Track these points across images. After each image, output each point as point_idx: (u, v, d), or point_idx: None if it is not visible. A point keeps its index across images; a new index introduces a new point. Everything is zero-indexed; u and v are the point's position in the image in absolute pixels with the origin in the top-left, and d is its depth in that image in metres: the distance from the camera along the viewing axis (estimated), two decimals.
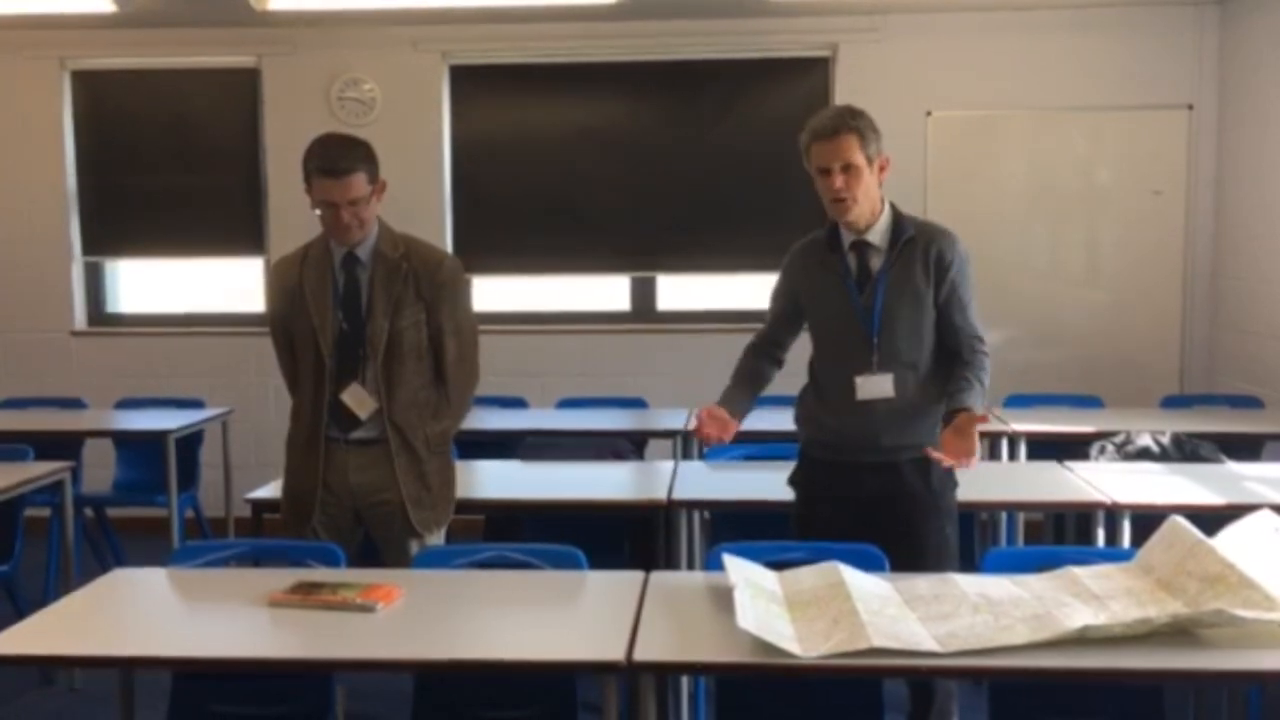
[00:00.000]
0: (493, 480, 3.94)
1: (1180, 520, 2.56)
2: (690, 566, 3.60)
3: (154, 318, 6.48)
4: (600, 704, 2.35)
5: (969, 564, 3.46)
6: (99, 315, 6.46)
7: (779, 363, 3.25)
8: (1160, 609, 2.31)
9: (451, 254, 3.50)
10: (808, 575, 2.58)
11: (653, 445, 4.89)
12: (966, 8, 5.76)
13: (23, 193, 6.25)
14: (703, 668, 2.49)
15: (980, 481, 3.42)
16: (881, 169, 2.99)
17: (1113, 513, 3.43)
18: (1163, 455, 4.11)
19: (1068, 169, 5.91)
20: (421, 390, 3.21)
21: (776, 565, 2.67)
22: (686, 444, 4.70)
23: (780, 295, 3.21)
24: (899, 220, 3.04)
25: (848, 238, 3.04)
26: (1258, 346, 5.37)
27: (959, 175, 5.89)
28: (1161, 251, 5.86)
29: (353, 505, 3.22)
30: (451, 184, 6.16)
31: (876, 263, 3.02)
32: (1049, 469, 3.90)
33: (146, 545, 4.64)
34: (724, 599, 2.44)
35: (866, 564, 2.69)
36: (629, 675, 2.27)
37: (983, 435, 4.48)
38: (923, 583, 2.55)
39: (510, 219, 6.19)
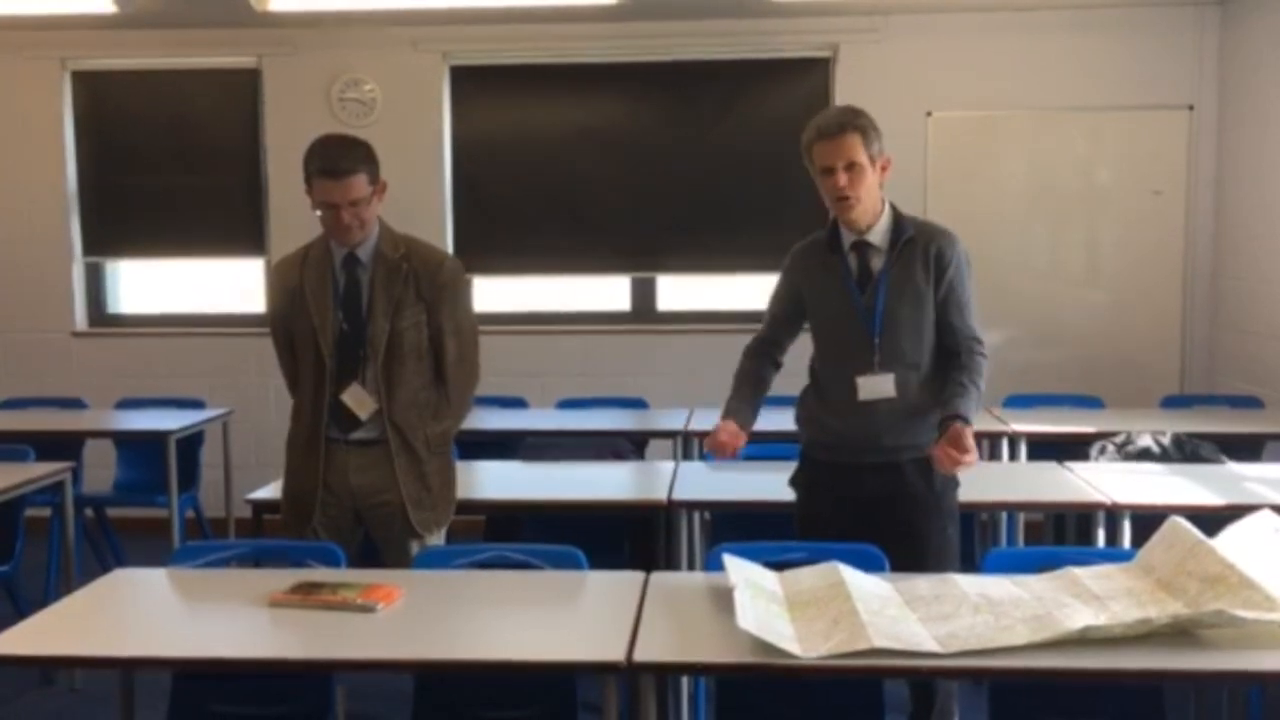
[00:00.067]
0: (493, 480, 3.94)
1: (1180, 521, 2.56)
2: (690, 567, 3.60)
3: (154, 318, 6.48)
4: (600, 704, 2.35)
5: (969, 564, 3.46)
6: (99, 315, 6.46)
7: (778, 365, 3.25)
8: (1160, 609, 2.31)
9: (452, 254, 3.50)
10: (808, 576, 2.58)
11: (653, 445, 4.89)
12: (967, 8, 5.77)
13: (23, 193, 6.25)
14: (703, 668, 2.49)
15: (980, 482, 3.42)
16: (883, 169, 3.00)
17: (1113, 513, 3.43)
18: (1163, 455, 4.11)
19: (1068, 169, 5.91)
20: (422, 391, 3.22)
21: (777, 565, 2.67)
22: (687, 444, 4.70)
23: (781, 296, 3.21)
24: (899, 220, 3.04)
25: (848, 238, 3.04)
26: (1258, 347, 5.37)
27: (959, 175, 5.89)
28: (1162, 252, 5.86)
29: (353, 506, 3.22)
30: (452, 184, 6.16)
31: (877, 263, 3.02)
32: (1049, 469, 3.90)
33: (147, 545, 4.65)
34: (724, 599, 2.44)
35: (866, 564, 2.69)
36: (629, 675, 2.27)
37: (983, 435, 4.53)
38: (923, 583, 2.55)
39: (511, 219, 6.19)
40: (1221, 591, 2.30)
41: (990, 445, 4.63)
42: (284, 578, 2.70)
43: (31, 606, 3.42)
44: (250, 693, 2.82)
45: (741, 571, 2.53)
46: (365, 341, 3.15)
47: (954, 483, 3.05)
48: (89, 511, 5.26)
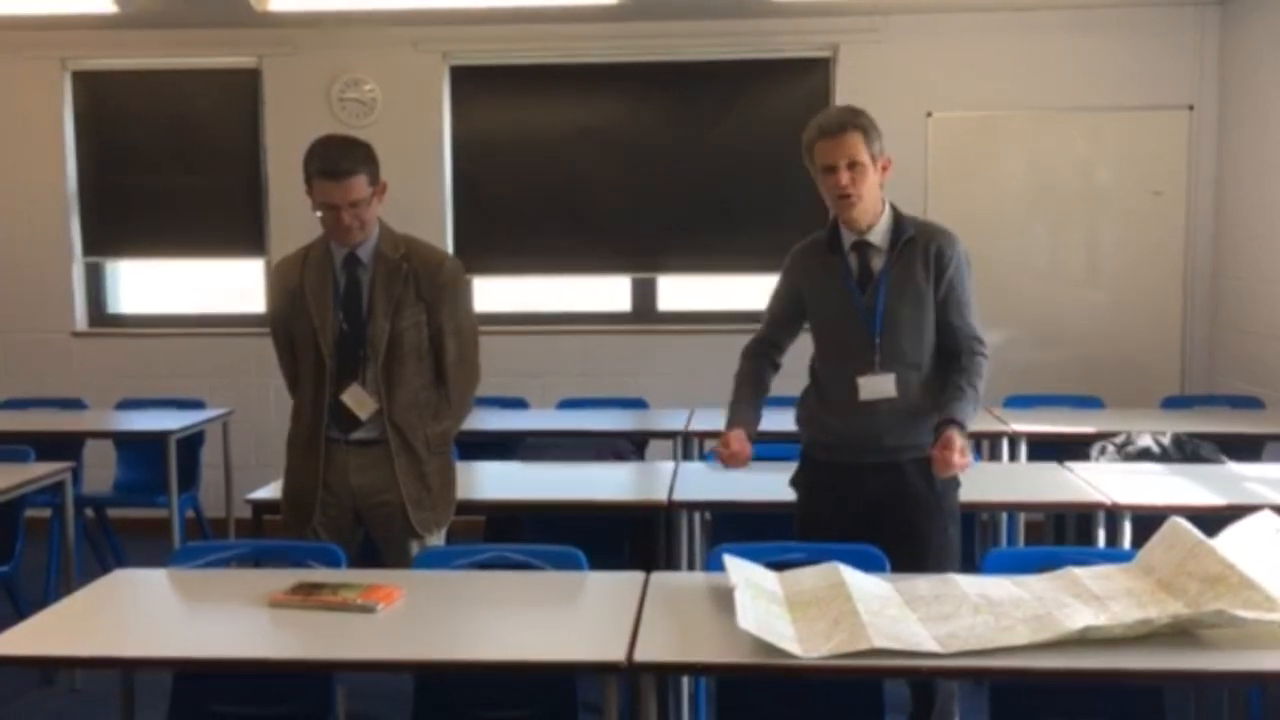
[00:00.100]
0: (493, 481, 3.94)
1: (1181, 521, 2.56)
2: (691, 567, 3.60)
3: (155, 318, 6.48)
4: (601, 704, 2.35)
5: (969, 564, 3.46)
6: (100, 316, 6.46)
7: (777, 366, 3.25)
8: (1161, 610, 2.31)
9: (452, 255, 3.50)
10: (808, 576, 2.58)
11: (653, 446, 4.89)
12: (967, 8, 5.77)
13: (23, 193, 6.25)
14: (703, 668, 2.49)
15: (981, 482, 3.42)
16: (884, 169, 3.00)
17: (1113, 513, 3.43)
18: (1163, 456, 4.11)
19: (1068, 169, 5.91)
20: (422, 391, 3.22)
21: (777, 566, 2.67)
22: (687, 445, 4.70)
23: (781, 297, 3.21)
24: (899, 220, 3.05)
25: (849, 238, 3.04)
26: (1258, 347, 5.37)
27: (959, 176, 5.89)
28: (1162, 252, 5.86)
29: (353, 506, 3.22)
30: (452, 184, 6.16)
31: (878, 263, 3.02)
32: (1049, 469, 3.89)
33: (147, 546, 4.65)
34: (724, 599, 2.44)
35: (867, 565, 2.69)
36: (629, 675, 2.28)
37: (983, 435, 4.55)
38: (923, 583, 2.55)
39: (511, 219, 6.19)
40: (1222, 592, 2.30)
41: (990, 445, 4.64)
42: (284, 578, 2.70)
43: (32, 607, 3.42)
44: (250, 693, 2.82)
45: (742, 572, 2.53)
46: (365, 342, 3.15)
47: (955, 483, 3.05)
48: (89, 512, 5.26)
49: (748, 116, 6.02)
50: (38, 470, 4.16)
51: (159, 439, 4.93)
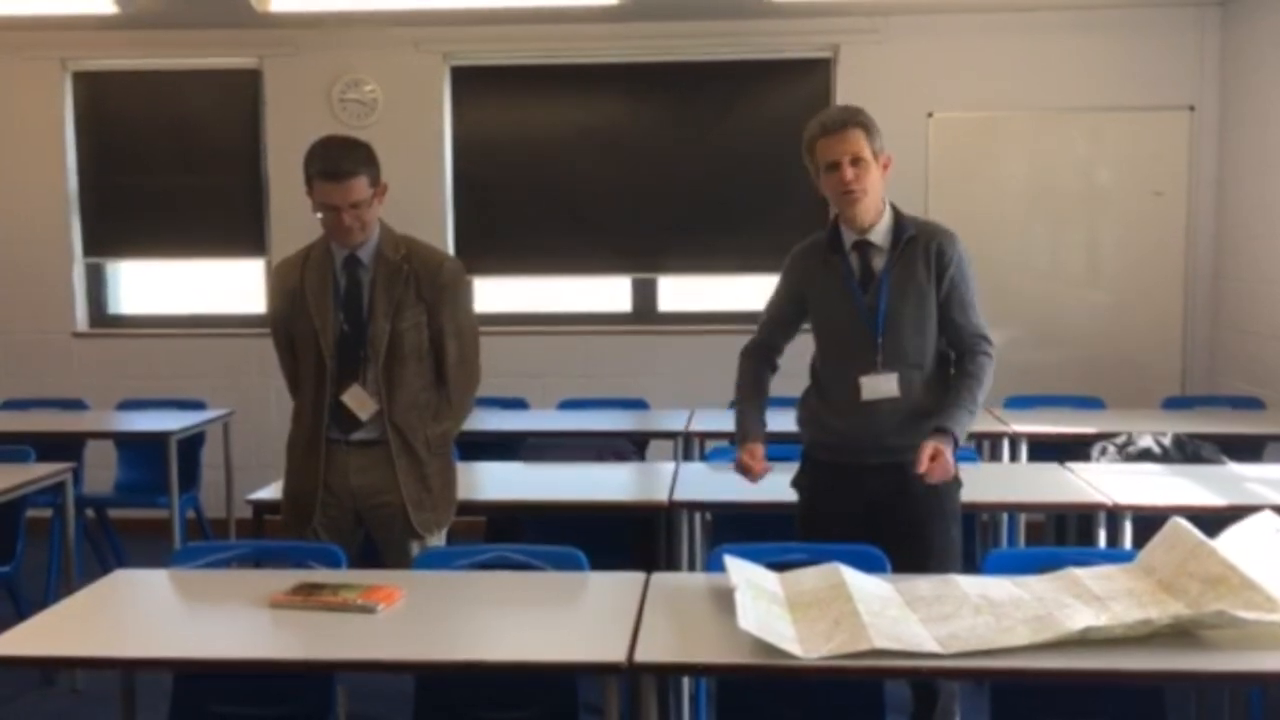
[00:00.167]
0: (494, 481, 3.94)
1: (1182, 521, 2.56)
2: (691, 568, 3.60)
3: (155, 319, 6.48)
4: (601, 705, 2.34)
5: (970, 565, 3.46)
6: (100, 316, 6.46)
7: (775, 368, 3.25)
8: (1162, 610, 2.30)
9: (453, 256, 3.50)
10: (809, 576, 2.58)
11: (654, 446, 4.89)
12: (968, 9, 5.77)
13: (24, 194, 6.25)
14: (704, 669, 2.49)
15: (981, 482, 3.42)
16: (885, 166, 3.00)
17: (1114, 514, 3.43)
18: (1164, 456, 4.11)
19: (1069, 170, 5.91)
20: (422, 392, 3.21)
21: (777, 566, 2.67)
22: (688, 445, 4.70)
23: (781, 298, 3.20)
24: (900, 220, 3.05)
25: (849, 238, 3.04)
26: (1259, 347, 5.37)
27: (960, 176, 5.89)
28: (1163, 252, 5.86)
29: (353, 506, 3.22)
30: (453, 185, 6.16)
31: (879, 263, 3.02)
32: (1050, 470, 3.89)
33: (148, 546, 4.66)
34: (725, 600, 2.44)
35: (867, 565, 2.69)
36: (630, 676, 2.27)
37: (984, 436, 4.55)
38: (924, 584, 2.55)
39: (511, 220, 6.19)
40: (1223, 592, 2.30)
41: (991, 446, 4.64)
42: (285, 578, 2.70)
43: (32, 607, 3.42)
44: (251, 693, 2.82)
45: (742, 572, 2.53)
46: (366, 343, 3.15)
47: (957, 483, 3.05)
48: (90, 512, 5.26)
49: (748, 117, 6.03)
50: (39, 470, 4.16)
51: (160, 439, 4.93)
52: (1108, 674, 2.22)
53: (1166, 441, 4.16)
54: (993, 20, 5.78)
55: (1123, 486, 3.57)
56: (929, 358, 3.03)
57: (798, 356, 3.24)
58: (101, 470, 5.45)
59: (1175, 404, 5.29)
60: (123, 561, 4.91)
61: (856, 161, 2.94)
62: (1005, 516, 4.46)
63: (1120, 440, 4.20)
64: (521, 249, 6.21)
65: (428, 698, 2.83)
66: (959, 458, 2.99)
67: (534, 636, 2.45)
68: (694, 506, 3.60)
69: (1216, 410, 5.11)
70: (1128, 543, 3.36)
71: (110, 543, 5.30)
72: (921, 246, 3.01)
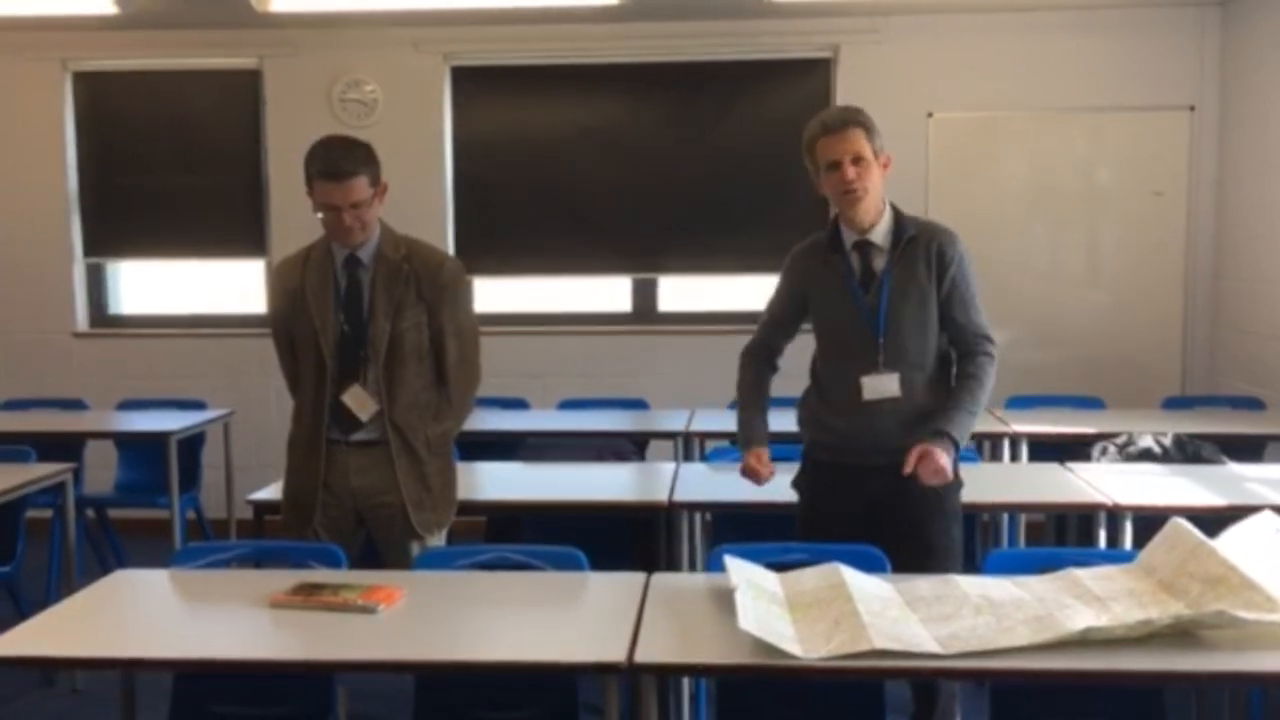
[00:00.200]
0: (494, 481, 3.94)
1: (1182, 522, 2.56)
2: (691, 568, 3.60)
3: (156, 319, 6.48)
4: (601, 705, 2.34)
5: (970, 565, 3.46)
6: (101, 316, 6.46)
7: (776, 369, 3.26)
8: (1162, 610, 2.30)
9: (453, 256, 3.50)
10: (809, 576, 2.58)
11: (654, 446, 4.89)
12: (968, 9, 5.76)
13: (24, 194, 6.25)
14: (704, 669, 2.49)
15: (981, 482, 3.42)
16: (885, 166, 3.01)
17: (1114, 514, 3.43)
18: (1164, 456, 4.11)
19: (1069, 170, 5.91)
20: (423, 392, 3.22)
21: (778, 566, 2.67)
22: (688, 445, 4.70)
23: (782, 298, 3.20)
24: (900, 220, 3.05)
25: (849, 238, 3.04)
26: (1259, 347, 5.37)
27: (960, 176, 5.89)
28: (1163, 252, 5.86)
29: (354, 507, 3.22)
30: (453, 185, 6.16)
31: (879, 263, 3.02)
32: (1050, 470, 3.89)
33: (148, 546, 4.66)
34: (725, 600, 2.44)
35: (867, 565, 2.69)
36: (630, 676, 2.28)
37: (984, 436, 4.55)
38: (924, 584, 2.55)
39: (512, 220, 6.19)
40: (1223, 592, 2.30)
41: (991, 446, 4.64)
42: (285, 579, 2.70)
43: (33, 607, 3.42)
44: (251, 694, 2.82)
45: (742, 572, 2.53)
46: (366, 343, 3.15)
47: (958, 483, 3.05)
48: (90, 512, 5.26)
49: (748, 117, 6.03)
50: (39, 471, 4.16)
51: (160, 439, 4.93)
52: (1108, 674, 2.22)
53: (1167, 441, 4.16)
54: (993, 20, 5.78)
55: (1123, 486, 3.57)
56: (930, 358, 3.03)
57: (798, 356, 3.24)
58: (102, 470, 5.45)
59: (1175, 404, 5.29)
60: (123, 562, 4.91)
61: (858, 161, 2.94)
62: (1005, 516, 4.46)
63: (1120, 440, 4.20)
64: (522, 249, 6.21)
65: (428, 698, 2.83)
66: (960, 458, 2.99)
67: (534, 637, 2.45)
68: (694, 507, 3.61)
69: (1217, 410, 5.11)
70: (1128, 543, 3.36)
71: (110, 543, 5.30)
72: (922, 247, 3.01)
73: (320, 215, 3.10)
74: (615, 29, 5.90)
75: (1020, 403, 5.06)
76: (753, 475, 3.10)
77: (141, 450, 5.32)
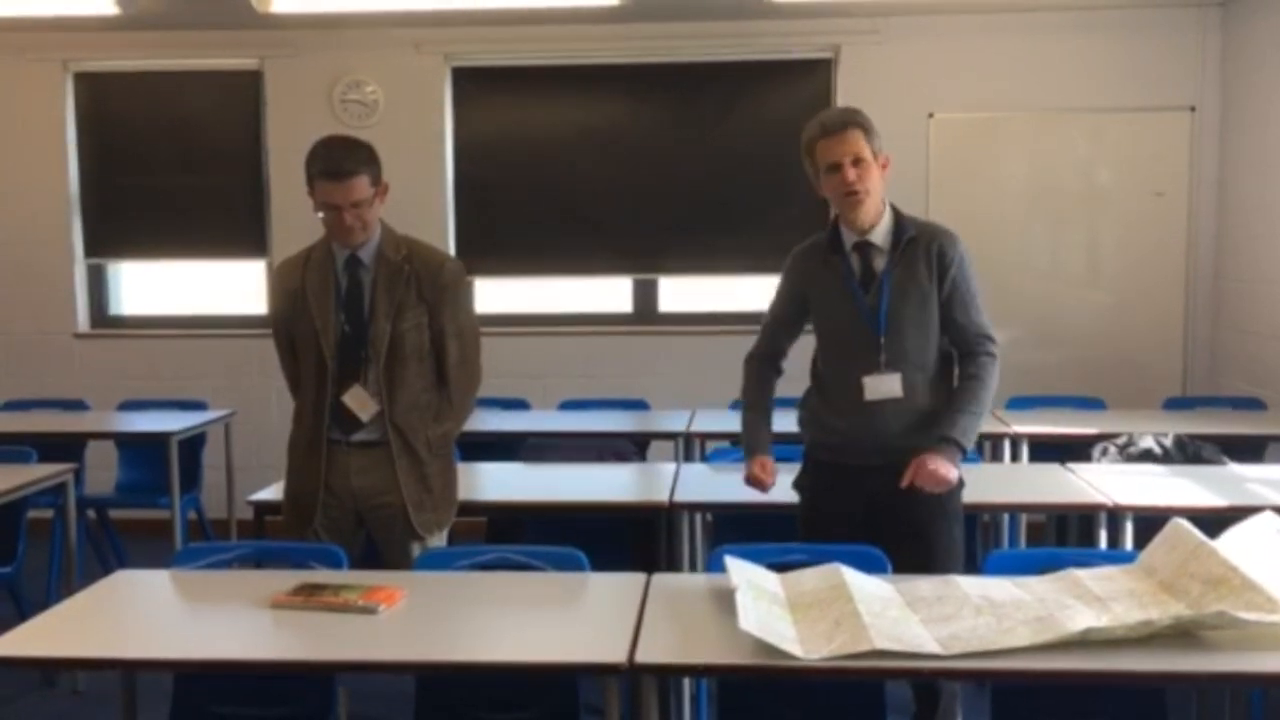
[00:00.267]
0: (494, 482, 3.94)
1: (1183, 522, 2.56)
2: (692, 568, 3.60)
3: (156, 320, 6.48)
4: (602, 706, 2.35)
5: (971, 566, 3.46)
6: (101, 317, 6.47)
7: (781, 371, 3.26)
8: (1163, 611, 2.30)
9: (453, 256, 3.50)
10: (810, 577, 2.58)
11: (655, 447, 4.89)
12: (968, 9, 5.77)
13: (25, 195, 6.26)
14: (705, 669, 2.49)
15: (982, 483, 3.42)
16: (884, 166, 3.01)
17: (1115, 514, 3.43)
18: (1165, 457, 4.11)
19: (1070, 171, 5.91)
20: (423, 393, 3.22)
21: (778, 567, 2.67)
22: (689, 446, 4.70)
23: (784, 300, 3.20)
24: (900, 221, 3.05)
25: (850, 239, 3.04)
26: (1260, 348, 5.37)
27: (961, 177, 5.89)
28: (1163, 253, 5.86)
29: (354, 507, 3.22)
30: (454, 186, 6.17)
31: (880, 263, 3.02)
32: (1051, 470, 3.89)
33: (149, 547, 4.66)
34: (726, 601, 2.44)
35: (868, 566, 2.69)
36: (631, 677, 2.28)
37: (985, 436, 4.54)
38: (925, 585, 2.55)
39: (512, 221, 6.19)
40: (1224, 593, 2.30)
41: (992, 446, 4.64)
42: (286, 579, 2.70)
43: (33, 608, 3.42)
44: (252, 694, 2.82)
45: (743, 573, 2.53)
46: (367, 343, 3.15)
47: (959, 484, 3.05)
48: (91, 513, 5.26)
49: (749, 118, 6.03)
50: (40, 471, 4.16)
51: (161, 440, 4.93)
52: (1109, 675, 2.22)
53: (1167, 442, 4.16)
54: (993, 21, 5.79)
55: (1124, 487, 3.57)
56: (932, 358, 3.03)
57: (798, 357, 3.23)
58: (103, 471, 5.45)
59: (1176, 404, 5.29)
60: (124, 562, 4.91)
61: (857, 162, 2.94)
62: (1006, 517, 4.46)
63: (1121, 441, 4.20)
64: (522, 250, 6.21)
65: (429, 698, 2.83)
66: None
67: (535, 637, 2.45)
68: (695, 507, 3.61)
69: (1217, 411, 5.11)
70: (1129, 543, 3.36)
71: (111, 543, 5.30)
72: (922, 247, 3.01)
73: (321, 215, 3.11)
74: (616, 29, 5.90)
75: (1021, 403, 5.05)
76: (756, 484, 3.11)
77: (142, 451, 5.32)
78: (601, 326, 6.22)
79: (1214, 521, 2.82)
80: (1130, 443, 4.18)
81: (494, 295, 6.23)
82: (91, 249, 6.37)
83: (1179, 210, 5.83)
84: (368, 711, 3.61)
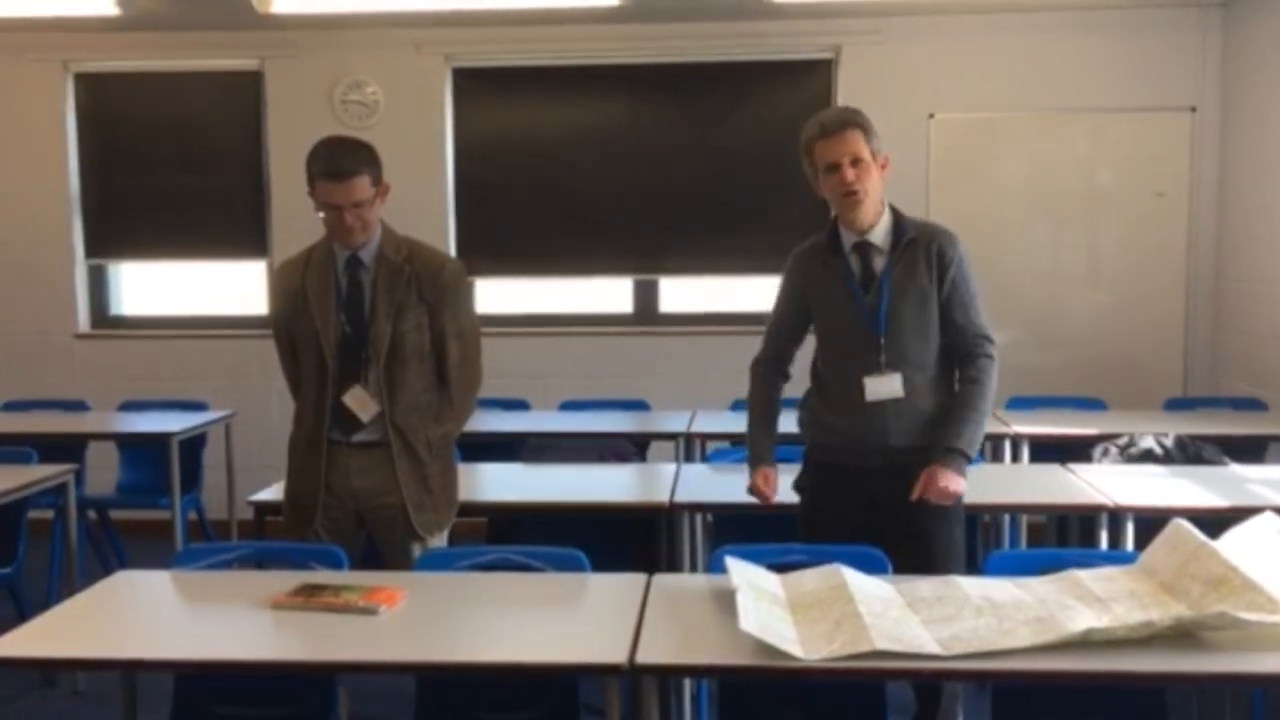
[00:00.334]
0: (495, 483, 3.94)
1: (1183, 523, 2.56)
2: (693, 569, 3.60)
3: (157, 320, 6.49)
4: (603, 706, 2.35)
5: (971, 566, 3.46)
6: (102, 317, 6.47)
7: (788, 376, 3.25)
8: (1163, 611, 2.30)
9: (454, 257, 3.51)
10: (810, 578, 2.58)
11: (655, 447, 4.89)
12: (969, 10, 5.76)
13: (26, 195, 6.26)
14: (705, 670, 2.49)
15: (983, 483, 3.42)
16: (883, 167, 3.01)
17: (1116, 515, 3.43)
18: (1166, 457, 4.11)
19: (1070, 171, 5.91)
20: (424, 393, 3.22)
21: (779, 568, 2.67)
22: (689, 446, 4.70)
23: (786, 302, 3.20)
24: (900, 221, 3.05)
25: (849, 239, 3.04)
26: (1260, 348, 5.37)
27: (961, 177, 5.89)
28: (1164, 253, 5.86)
29: (355, 508, 3.22)
30: (454, 186, 6.17)
31: (879, 263, 3.02)
32: (1052, 471, 3.89)
33: (149, 547, 4.66)
34: (726, 601, 2.44)
35: (869, 566, 2.68)
36: (631, 677, 2.28)
37: (985, 437, 4.52)
38: (925, 585, 2.55)
39: (513, 221, 6.19)
40: (1225, 594, 2.30)
41: (993, 447, 4.63)
42: (286, 580, 2.70)
43: (34, 609, 3.42)
44: (253, 694, 2.82)
45: (744, 574, 2.53)
46: (367, 344, 3.15)
47: None
48: (92, 513, 5.26)
49: (749, 118, 6.03)
50: (40, 472, 4.16)
51: (161, 441, 4.93)
52: (1109, 675, 2.22)
53: (1168, 442, 4.15)
54: (993, 21, 5.78)
55: (1124, 488, 3.57)
56: (932, 358, 3.03)
57: (799, 357, 3.23)
58: (103, 471, 5.45)
59: (1177, 405, 5.29)
60: (124, 563, 4.91)
61: (856, 162, 2.94)
62: (1007, 518, 4.45)
63: (1122, 441, 4.20)
64: (523, 250, 6.21)
65: (429, 699, 2.83)
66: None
67: (535, 638, 2.45)
68: (695, 508, 3.61)
69: (1218, 411, 5.10)
70: (1129, 544, 3.36)
71: (112, 544, 5.30)
72: (922, 248, 3.01)
73: (322, 215, 3.11)
74: (616, 30, 5.90)
75: (1021, 404, 5.05)
76: (759, 495, 3.12)
77: (143, 451, 5.33)
78: (602, 327, 6.22)
79: (1215, 522, 2.83)
80: (1131, 443, 4.18)
81: (494, 296, 6.23)
82: (92, 249, 6.37)
83: (1179, 211, 5.83)
84: (368, 712, 3.61)
